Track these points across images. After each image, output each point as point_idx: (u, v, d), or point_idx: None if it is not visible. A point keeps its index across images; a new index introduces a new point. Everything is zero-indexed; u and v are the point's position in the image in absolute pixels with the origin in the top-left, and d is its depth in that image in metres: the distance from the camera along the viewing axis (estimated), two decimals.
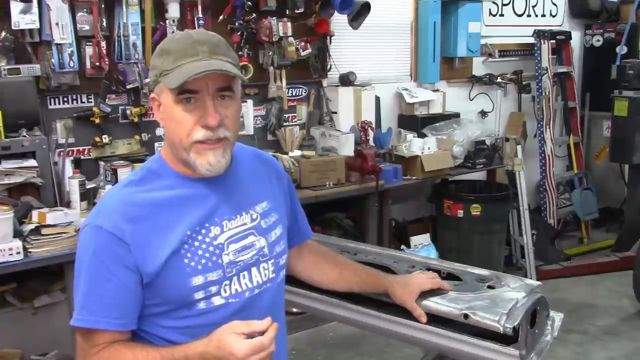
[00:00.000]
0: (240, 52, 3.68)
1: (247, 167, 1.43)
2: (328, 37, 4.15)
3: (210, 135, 1.24)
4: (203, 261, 1.26)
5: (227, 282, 1.30)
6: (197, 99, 1.23)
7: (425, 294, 1.65)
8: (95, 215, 1.26)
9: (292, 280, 1.70)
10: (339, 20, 4.19)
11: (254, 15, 3.74)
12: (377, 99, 4.41)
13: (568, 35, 5.41)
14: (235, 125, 1.30)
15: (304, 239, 1.64)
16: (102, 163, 3.37)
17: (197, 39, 1.24)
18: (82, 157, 3.38)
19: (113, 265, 1.21)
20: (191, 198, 1.29)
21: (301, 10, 3.88)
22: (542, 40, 5.14)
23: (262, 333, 1.19)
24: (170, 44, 1.26)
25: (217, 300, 1.29)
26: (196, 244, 1.27)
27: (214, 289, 1.28)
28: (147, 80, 3.41)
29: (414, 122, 4.55)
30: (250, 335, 1.18)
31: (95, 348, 1.23)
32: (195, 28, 3.54)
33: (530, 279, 3.21)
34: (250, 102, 3.89)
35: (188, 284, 1.25)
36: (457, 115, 4.76)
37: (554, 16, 5.64)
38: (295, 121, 4.22)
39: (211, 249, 1.28)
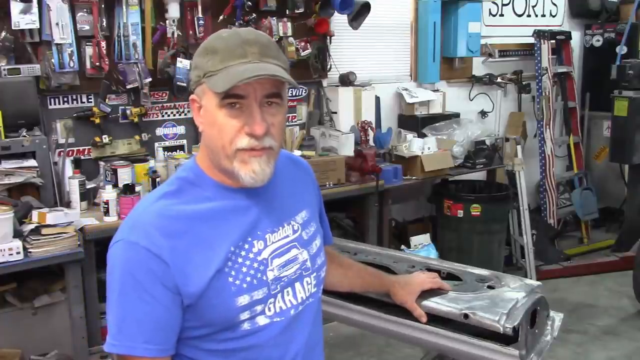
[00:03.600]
0: None
1: (284, 175, 1.32)
2: (328, 37, 4.15)
3: (255, 144, 1.14)
4: (248, 279, 1.17)
5: (272, 299, 1.21)
6: (242, 105, 1.14)
7: (425, 294, 1.65)
8: (130, 231, 1.14)
9: None
10: (339, 20, 4.19)
11: (254, 15, 3.73)
12: (377, 99, 4.41)
13: (568, 35, 5.41)
14: (281, 134, 1.20)
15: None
16: (102, 163, 3.37)
17: (246, 39, 1.14)
18: (82, 157, 3.38)
19: (151, 285, 1.10)
20: (232, 210, 1.20)
21: (301, 10, 3.88)
22: (542, 40, 5.14)
23: None
24: (217, 42, 1.16)
25: (261, 320, 1.19)
26: (240, 260, 1.17)
27: (259, 308, 1.18)
28: (148, 80, 3.41)
29: (414, 122, 4.55)
30: None
31: None
32: (195, 28, 3.55)
33: (530, 279, 3.21)
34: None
35: (234, 305, 1.15)
36: (457, 115, 4.76)
37: (554, 16, 5.65)
38: (295, 121, 4.22)
39: (255, 265, 1.18)
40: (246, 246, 1.19)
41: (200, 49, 1.18)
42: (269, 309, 1.20)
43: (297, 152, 3.85)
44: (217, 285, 1.14)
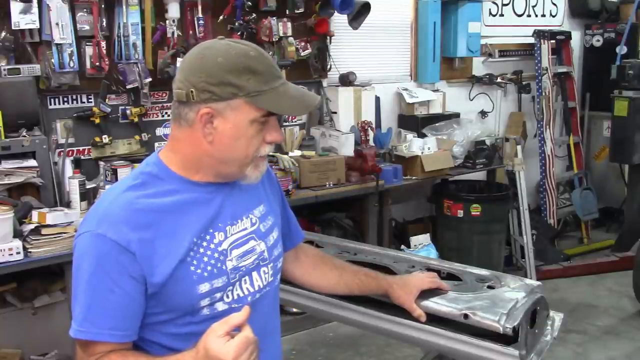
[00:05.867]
0: None
1: None
2: (328, 37, 4.15)
3: (272, 150, 1.31)
4: (209, 268, 1.25)
5: (231, 287, 1.29)
6: (269, 118, 1.27)
7: (425, 294, 1.65)
8: (97, 223, 1.19)
9: (293, 284, 1.70)
10: (339, 20, 4.19)
11: (254, 15, 3.74)
12: (377, 99, 4.41)
13: (568, 35, 5.41)
14: None
15: (295, 242, 1.62)
16: (102, 163, 3.37)
17: (268, 56, 1.27)
18: (82, 157, 3.38)
19: (118, 276, 1.17)
20: (195, 203, 1.27)
21: (301, 10, 3.88)
22: (542, 40, 5.14)
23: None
24: (250, 62, 1.22)
25: (220, 306, 1.28)
26: (201, 250, 1.25)
27: (218, 295, 1.27)
28: (148, 80, 3.41)
29: (414, 122, 4.55)
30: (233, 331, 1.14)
31: (92, 357, 1.20)
32: (195, 28, 3.55)
33: (530, 279, 3.21)
34: None
35: (195, 292, 1.23)
36: (457, 115, 4.76)
37: (554, 16, 5.65)
38: (295, 121, 4.22)
39: (216, 255, 1.26)
40: (207, 237, 1.27)
41: (232, 67, 1.20)
42: (227, 296, 1.29)
43: (297, 152, 3.86)
44: (180, 274, 1.22)
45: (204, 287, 1.24)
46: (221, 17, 3.63)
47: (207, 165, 1.27)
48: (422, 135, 4.39)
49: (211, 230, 1.27)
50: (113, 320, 1.18)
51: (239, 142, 1.24)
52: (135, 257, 1.17)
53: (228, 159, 1.26)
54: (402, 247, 4.29)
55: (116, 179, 3.19)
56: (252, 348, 1.12)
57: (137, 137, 3.53)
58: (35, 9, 3.02)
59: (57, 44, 3.12)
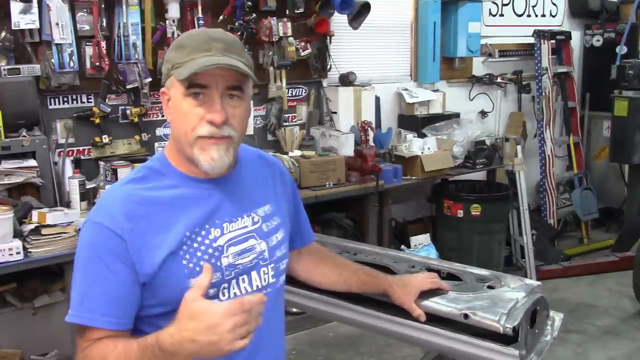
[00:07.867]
0: None
1: (250, 169, 1.41)
2: (328, 37, 4.15)
3: (215, 131, 1.23)
4: (202, 263, 1.24)
5: (226, 285, 1.29)
6: (205, 94, 1.22)
7: (425, 294, 1.65)
8: (95, 212, 1.25)
9: (292, 280, 1.70)
10: (339, 20, 4.19)
11: (254, 15, 3.74)
12: (377, 99, 4.41)
13: (568, 35, 5.41)
14: (242, 126, 1.29)
15: (305, 243, 1.62)
16: (102, 163, 3.37)
17: (212, 36, 1.25)
18: (82, 157, 3.38)
19: (111, 262, 1.20)
20: (193, 198, 1.28)
21: (301, 10, 3.88)
22: (542, 40, 5.14)
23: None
24: (186, 39, 1.27)
25: None
26: (195, 245, 1.25)
27: (211, 291, 1.26)
28: (148, 80, 3.41)
29: (414, 122, 4.55)
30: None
31: (86, 343, 1.21)
32: (195, 28, 3.55)
33: (530, 279, 3.21)
34: (250, 102, 3.89)
35: (186, 286, 1.22)
36: (457, 115, 4.76)
37: (554, 16, 5.65)
38: (295, 121, 4.22)
39: (210, 250, 1.27)
40: (202, 232, 1.27)
41: (172, 45, 1.29)
42: (223, 294, 1.29)
43: (297, 152, 3.86)
44: (171, 266, 1.23)
45: (196, 282, 1.23)
46: (221, 17, 3.63)
47: (179, 149, 1.29)
48: (422, 135, 4.39)
49: (207, 226, 1.28)
50: (106, 306, 1.20)
51: (178, 118, 1.26)
52: (127, 245, 1.20)
53: (177, 137, 1.28)
54: (402, 247, 4.29)
55: (116, 179, 3.19)
56: (246, 317, 1.09)
57: (137, 137, 3.53)
58: (35, 9, 3.02)
59: (57, 44, 3.12)
